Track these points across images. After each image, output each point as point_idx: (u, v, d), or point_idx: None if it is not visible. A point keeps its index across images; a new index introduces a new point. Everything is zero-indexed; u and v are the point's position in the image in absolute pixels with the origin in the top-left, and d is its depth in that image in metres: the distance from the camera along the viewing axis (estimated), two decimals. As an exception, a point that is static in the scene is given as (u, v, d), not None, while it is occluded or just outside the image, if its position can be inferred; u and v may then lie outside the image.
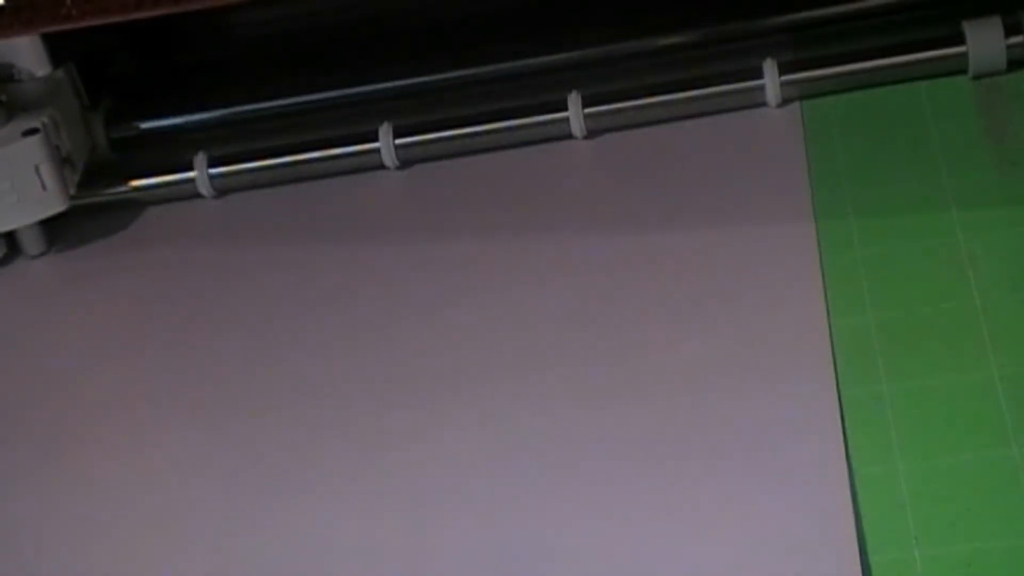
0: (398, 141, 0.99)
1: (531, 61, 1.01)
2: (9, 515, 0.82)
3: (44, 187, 0.96)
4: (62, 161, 0.98)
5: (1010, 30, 0.92)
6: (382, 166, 1.00)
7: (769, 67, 0.95)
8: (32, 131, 0.95)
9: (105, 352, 0.92)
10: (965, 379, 0.72)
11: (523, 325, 0.85)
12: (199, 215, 1.01)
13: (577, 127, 0.97)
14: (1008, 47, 0.92)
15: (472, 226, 0.93)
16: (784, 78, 0.95)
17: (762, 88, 0.95)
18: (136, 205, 1.03)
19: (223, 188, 1.02)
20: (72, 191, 0.98)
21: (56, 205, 0.97)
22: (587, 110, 0.97)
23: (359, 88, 1.03)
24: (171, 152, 1.04)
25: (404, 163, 1.00)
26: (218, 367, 0.88)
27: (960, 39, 0.93)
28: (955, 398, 0.71)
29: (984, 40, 0.92)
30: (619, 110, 0.97)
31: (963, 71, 0.93)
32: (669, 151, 0.95)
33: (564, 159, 0.97)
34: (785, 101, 0.95)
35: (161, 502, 0.80)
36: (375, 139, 0.99)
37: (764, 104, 0.95)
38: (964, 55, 0.93)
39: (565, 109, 0.97)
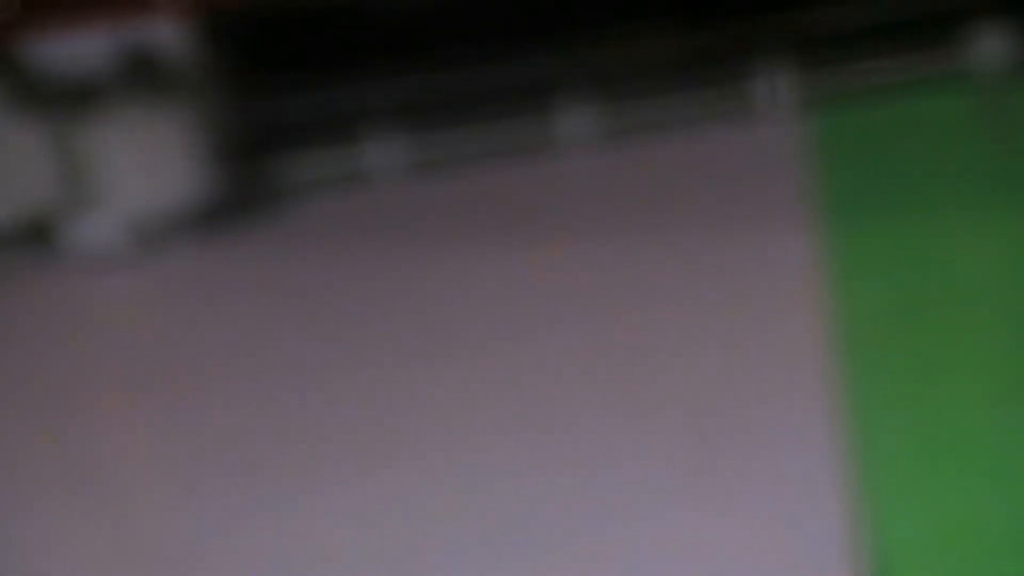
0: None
1: (529, 62, 1.02)
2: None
3: None
4: None
5: (1011, 31, 0.93)
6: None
7: (769, 69, 0.95)
8: None
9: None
10: (971, 390, 0.72)
11: (516, 333, 0.85)
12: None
13: (576, 130, 0.97)
14: (1009, 48, 0.93)
15: (467, 230, 0.93)
16: (784, 80, 0.95)
17: (762, 90, 0.95)
18: None
19: None
20: None
21: None
22: (585, 112, 0.97)
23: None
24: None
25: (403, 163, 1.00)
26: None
27: (962, 40, 0.93)
28: (961, 410, 0.71)
29: (985, 41, 0.93)
30: (619, 113, 0.97)
31: (964, 72, 0.93)
32: (668, 155, 0.95)
33: (562, 161, 0.97)
34: (786, 103, 0.95)
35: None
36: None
37: (764, 106, 0.96)
38: (965, 56, 0.93)
39: (563, 112, 0.97)
